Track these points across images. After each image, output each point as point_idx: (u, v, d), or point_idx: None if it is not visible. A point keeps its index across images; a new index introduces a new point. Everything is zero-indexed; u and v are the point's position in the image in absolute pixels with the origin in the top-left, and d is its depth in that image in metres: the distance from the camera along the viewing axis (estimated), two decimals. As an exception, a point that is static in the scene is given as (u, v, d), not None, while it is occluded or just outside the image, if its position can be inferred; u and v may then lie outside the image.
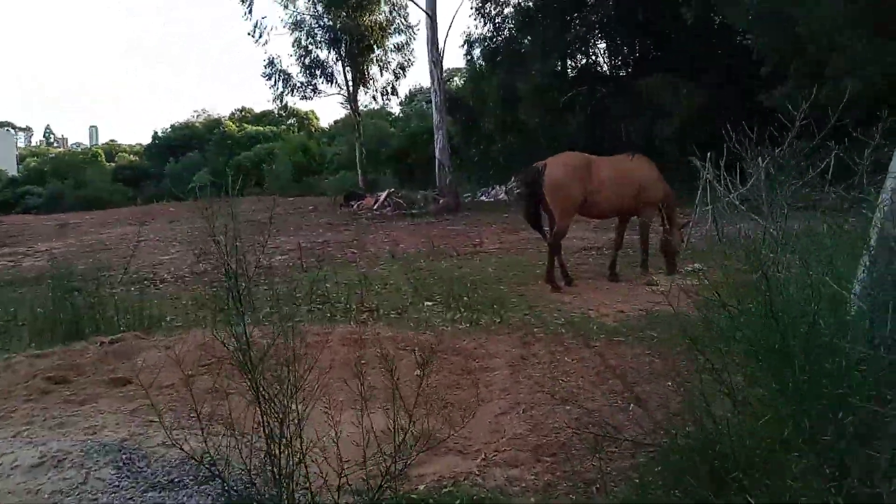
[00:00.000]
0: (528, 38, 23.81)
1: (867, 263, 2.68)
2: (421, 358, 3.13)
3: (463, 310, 6.27)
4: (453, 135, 30.66)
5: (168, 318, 6.56)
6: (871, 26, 13.59)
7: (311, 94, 30.01)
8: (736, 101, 20.09)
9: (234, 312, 2.62)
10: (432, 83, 20.73)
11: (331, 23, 28.54)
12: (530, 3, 24.79)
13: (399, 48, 31.23)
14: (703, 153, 11.45)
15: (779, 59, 15.22)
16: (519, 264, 9.32)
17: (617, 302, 6.64)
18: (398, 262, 9.93)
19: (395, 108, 46.78)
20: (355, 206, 22.27)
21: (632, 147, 11.28)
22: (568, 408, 3.85)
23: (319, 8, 28.84)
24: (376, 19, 29.72)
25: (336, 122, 50.19)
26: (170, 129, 52.49)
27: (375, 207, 21.50)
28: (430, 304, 6.75)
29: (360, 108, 31.73)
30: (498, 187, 26.23)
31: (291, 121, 52.00)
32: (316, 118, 53.10)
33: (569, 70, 24.99)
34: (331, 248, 12.55)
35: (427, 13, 20.77)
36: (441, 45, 21.12)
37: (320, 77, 30.16)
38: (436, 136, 21.01)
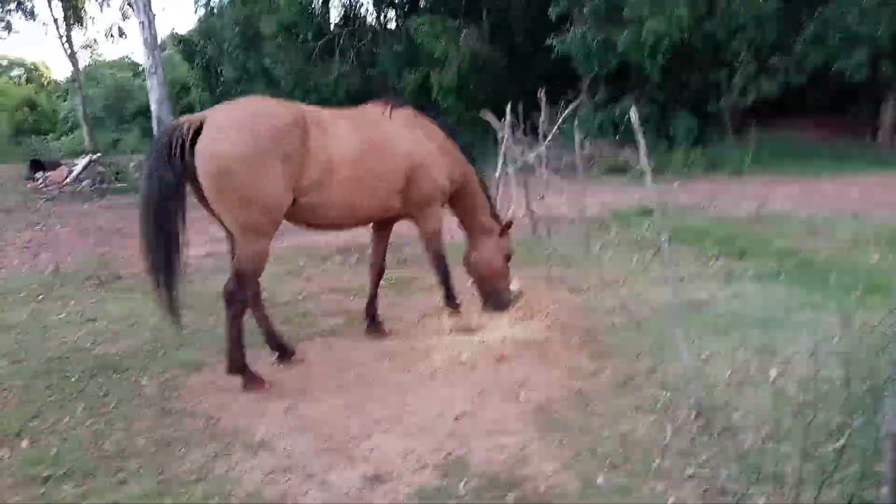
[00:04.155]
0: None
1: None
2: None
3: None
4: (193, 85, 25.94)
5: None
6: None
7: (6, 34, 27.11)
8: (523, 47, 17.77)
9: None
10: (137, 12, 15.13)
11: (21, -59, 22.78)
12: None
13: (125, -19, 26.83)
14: (489, 107, 8.71)
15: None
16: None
17: (408, 412, 3.05)
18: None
19: (145, 57, 41.13)
20: (41, 181, 16.08)
21: (392, 95, 7.78)
22: None
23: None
24: (86, -61, 25.00)
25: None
26: None
27: (68, 182, 15.65)
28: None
29: (97, 56, 29.93)
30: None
31: (17, 72, 44.75)
32: (47, 69, 45.95)
33: (322, 8, 20.97)
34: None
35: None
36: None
37: (17, 11, 26.51)
38: (149, 84, 15.62)
